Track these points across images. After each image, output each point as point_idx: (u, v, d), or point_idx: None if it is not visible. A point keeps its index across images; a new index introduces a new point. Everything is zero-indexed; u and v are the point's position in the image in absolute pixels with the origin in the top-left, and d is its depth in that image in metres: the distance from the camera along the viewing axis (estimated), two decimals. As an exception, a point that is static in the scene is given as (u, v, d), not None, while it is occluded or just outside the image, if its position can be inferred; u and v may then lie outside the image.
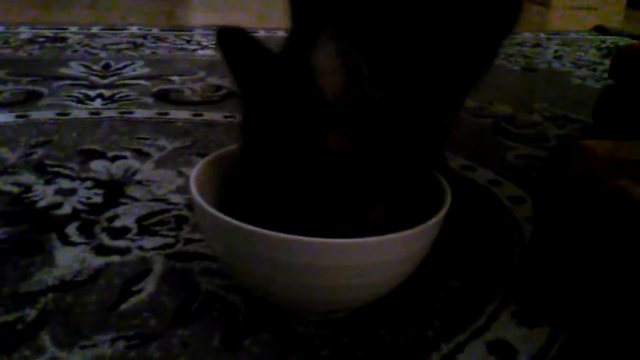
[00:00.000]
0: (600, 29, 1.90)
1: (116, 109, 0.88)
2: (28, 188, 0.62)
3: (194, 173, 0.44)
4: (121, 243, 0.52)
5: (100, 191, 0.62)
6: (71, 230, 0.54)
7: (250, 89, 0.42)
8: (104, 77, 1.04)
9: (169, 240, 0.53)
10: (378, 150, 0.39)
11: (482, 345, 0.42)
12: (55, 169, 0.66)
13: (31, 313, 0.43)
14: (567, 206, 0.42)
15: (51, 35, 1.37)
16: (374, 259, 0.38)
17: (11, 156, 0.69)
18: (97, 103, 0.90)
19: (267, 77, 0.41)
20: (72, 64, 1.12)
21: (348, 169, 0.38)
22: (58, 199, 0.60)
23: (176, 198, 0.61)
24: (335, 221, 0.39)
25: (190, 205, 0.58)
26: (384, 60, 0.39)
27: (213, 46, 1.36)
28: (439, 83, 0.44)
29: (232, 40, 0.42)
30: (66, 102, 0.90)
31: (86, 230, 0.54)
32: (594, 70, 1.34)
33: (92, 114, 0.85)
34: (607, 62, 1.31)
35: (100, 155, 0.71)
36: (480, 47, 0.48)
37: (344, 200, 0.39)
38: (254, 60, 0.42)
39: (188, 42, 1.39)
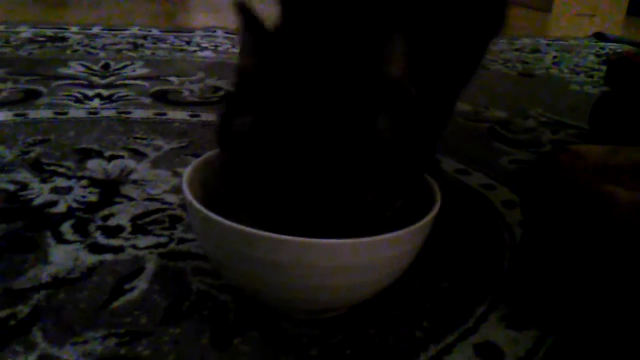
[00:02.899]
0: (599, 36, 1.91)
1: (114, 109, 0.88)
2: (24, 186, 0.62)
3: (187, 172, 0.45)
4: (115, 242, 0.53)
5: (96, 190, 0.62)
6: (66, 228, 0.54)
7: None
8: (103, 78, 1.05)
9: (163, 240, 0.53)
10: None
11: (470, 347, 0.42)
12: (52, 168, 0.67)
13: (24, 310, 0.43)
14: (553, 211, 0.43)
15: (52, 35, 1.38)
16: (363, 259, 0.39)
17: (8, 154, 0.70)
18: (96, 103, 0.91)
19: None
20: (72, 63, 1.12)
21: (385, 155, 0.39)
22: (54, 197, 0.60)
23: (171, 198, 0.62)
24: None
25: (185, 205, 0.59)
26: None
27: (213, 47, 1.36)
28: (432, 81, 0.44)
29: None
30: (65, 102, 0.90)
31: (81, 229, 0.54)
32: (592, 76, 1.34)
33: (90, 113, 0.86)
34: (605, 68, 1.32)
35: (97, 154, 0.71)
36: (465, 50, 0.48)
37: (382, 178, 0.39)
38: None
39: (188, 43, 1.39)
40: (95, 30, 1.46)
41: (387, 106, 0.39)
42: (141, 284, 0.47)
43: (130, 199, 0.61)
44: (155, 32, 1.50)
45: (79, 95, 0.93)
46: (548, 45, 1.74)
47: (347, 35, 0.40)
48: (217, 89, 1.03)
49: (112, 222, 0.56)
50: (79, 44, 1.30)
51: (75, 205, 0.59)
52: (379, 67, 0.38)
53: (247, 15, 0.41)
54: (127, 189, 0.63)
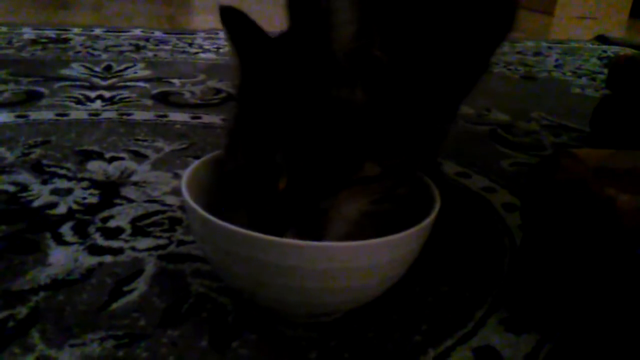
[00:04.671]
0: (602, 39, 1.91)
1: (116, 110, 0.88)
2: (24, 187, 0.62)
3: (186, 174, 0.45)
4: (114, 243, 0.53)
5: (96, 192, 0.62)
6: (65, 229, 0.54)
7: (253, 57, 0.44)
8: (104, 79, 1.05)
9: (162, 242, 0.53)
10: (381, 108, 0.40)
11: (469, 351, 0.42)
12: (52, 169, 0.67)
13: (23, 311, 0.43)
14: (554, 214, 0.42)
15: (54, 36, 1.38)
16: (361, 262, 0.38)
17: (9, 155, 0.70)
18: (97, 104, 0.91)
19: (273, 43, 0.44)
20: (74, 65, 1.12)
21: (351, 121, 0.39)
22: (54, 198, 0.60)
23: (171, 200, 0.61)
24: (328, 173, 0.40)
25: (184, 207, 0.59)
26: (395, 31, 0.41)
27: (214, 49, 1.36)
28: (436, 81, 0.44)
29: (235, 17, 0.44)
30: (66, 103, 0.90)
31: (80, 230, 0.54)
32: (594, 79, 1.34)
33: (91, 115, 0.86)
34: (607, 71, 1.31)
35: (98, 156, 0.72)
36: (474, 52, 0.48)
37: (340, 150, 0.39)
38: (258, 32, 0.44)
39: (190, 45, 1.39)
40: (98, 31, 1.46)
41: (346, 75, 0.39)
42: (140, 286, 0.47)
43: (130, 201, 0.61)
44: (157, 33, 1.50)
45: (81, 97, 0.94)
46: (550, 47, 1.74)
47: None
48: (218, 91, 1.03)
49: (111, 224, 0.56)
50: (81, 45, 1.31)
51: (75, 206, 0.59)
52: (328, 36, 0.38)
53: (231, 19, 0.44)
54: (127, 191, 0.63)
